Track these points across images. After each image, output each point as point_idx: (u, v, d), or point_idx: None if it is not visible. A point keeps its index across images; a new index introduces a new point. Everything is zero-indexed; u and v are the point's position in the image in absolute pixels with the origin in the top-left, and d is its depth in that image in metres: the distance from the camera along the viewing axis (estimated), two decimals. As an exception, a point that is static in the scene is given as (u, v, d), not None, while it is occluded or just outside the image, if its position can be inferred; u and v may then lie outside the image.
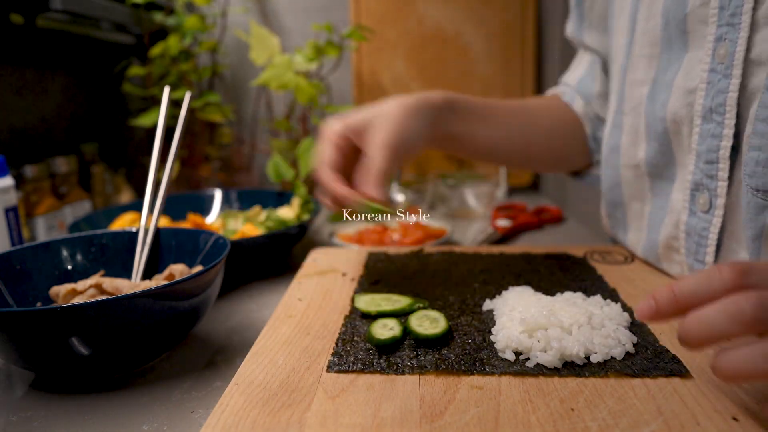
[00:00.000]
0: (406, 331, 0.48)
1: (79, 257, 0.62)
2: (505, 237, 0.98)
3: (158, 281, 0.59)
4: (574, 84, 0.81)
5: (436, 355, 0.45)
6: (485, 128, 0.70)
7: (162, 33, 1.22)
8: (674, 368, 0.41)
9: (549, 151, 0.78)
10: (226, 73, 1.43)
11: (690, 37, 0.55)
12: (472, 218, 1.12)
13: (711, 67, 0.52)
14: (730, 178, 0.52)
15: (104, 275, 0.62)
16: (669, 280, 0.61)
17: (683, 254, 0.58)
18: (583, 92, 0.79)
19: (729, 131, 0.51)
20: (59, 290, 0.56)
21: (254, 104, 1.42)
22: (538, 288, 0.58)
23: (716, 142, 0.52)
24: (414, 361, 0.44)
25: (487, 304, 0.55)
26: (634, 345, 0.45)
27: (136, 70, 1.15)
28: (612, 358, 0.43)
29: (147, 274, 0.64)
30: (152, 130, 1.24)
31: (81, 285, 0.55)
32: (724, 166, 0.52)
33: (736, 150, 0.51)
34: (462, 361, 0.44)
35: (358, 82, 1.40)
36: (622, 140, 0.68)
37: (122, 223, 0.83)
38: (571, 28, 0.82)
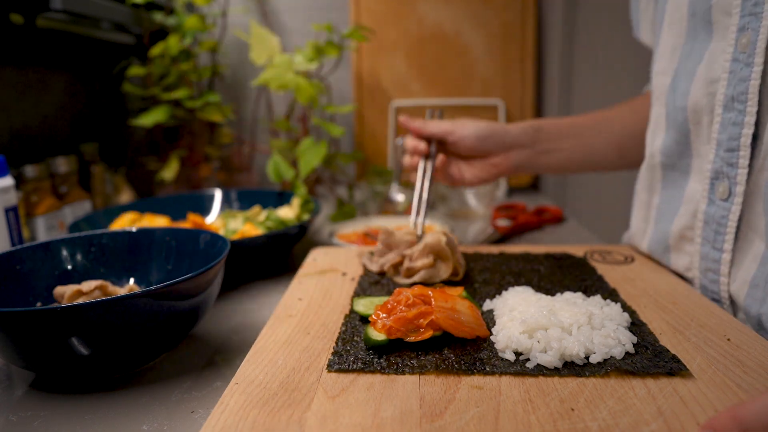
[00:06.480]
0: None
1: (79, 257, 0.62)
2: (505, 237, 0.98)
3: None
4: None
5: (436, 355, 0.45)
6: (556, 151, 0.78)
7: (162, 33, 1.22)
8: (674, 368, 0.41)
9: (617, 155, 0.79)
10: (226, 73, 1.43)
11: (714, 28, 0.56)
12: (472, 218, 1.12)
13: (733, 57, 0.53)
14: (750, 166, 0.53)
15: (104, 275, 0.62)
16: (669, 280, 0.61)
17: (698, 243, 0.59)
18: None
19: (750, 119, 0.52)
20: (65, 291, 0.56)
21: (254, 104, 1.42)
22: (538, 288, 0.58)
23: (738, 129, 0.53)
24: (414, 361, 0.44)
25: (487, 304, 0.55)
26: (634, 345, 0.45)
27: (136, 70, 1.15)
28: (612, 358, 0.43)
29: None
30: (152, 130, 1.24)
31: (86, 286, 0.55)
32: (744, 153, 0.52)
33: (755, 139, 0.52)
34: (462, 361, 0.44)
35: (358, 82, 1.40)
36: (647, 130, 0.70)
37: (122, 223, 0.83)
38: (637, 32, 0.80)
